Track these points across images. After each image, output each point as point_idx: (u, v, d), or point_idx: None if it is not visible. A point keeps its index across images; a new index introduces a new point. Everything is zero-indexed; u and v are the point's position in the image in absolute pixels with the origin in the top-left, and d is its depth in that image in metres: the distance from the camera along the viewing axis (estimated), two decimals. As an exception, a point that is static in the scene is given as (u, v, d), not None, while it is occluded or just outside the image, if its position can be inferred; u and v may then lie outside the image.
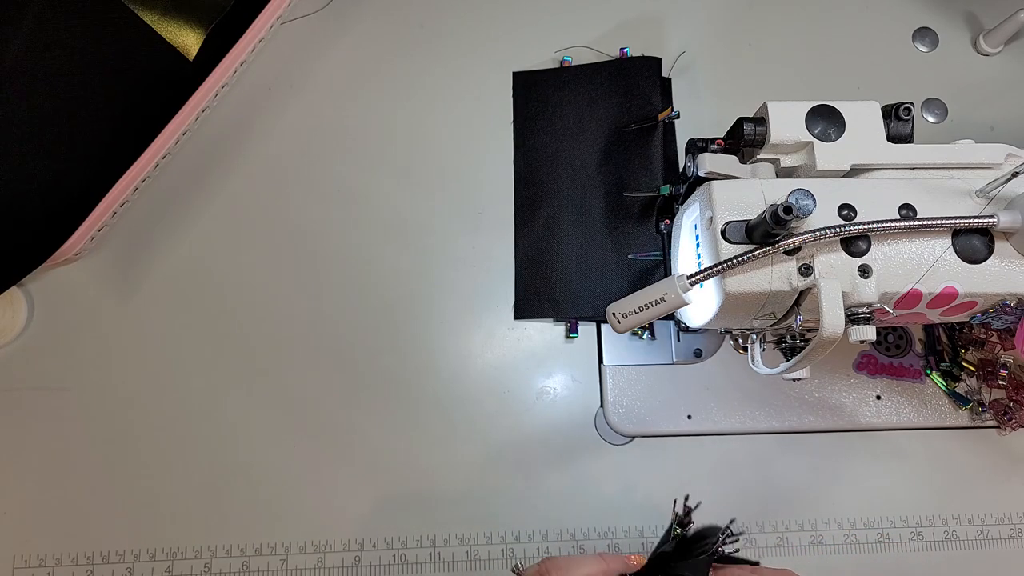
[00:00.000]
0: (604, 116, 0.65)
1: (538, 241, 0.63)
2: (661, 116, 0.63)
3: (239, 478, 0.58)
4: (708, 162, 0.47)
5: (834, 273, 0.43)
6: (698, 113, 0.66)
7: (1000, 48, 0.70)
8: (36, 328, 0.60)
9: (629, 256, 0.62)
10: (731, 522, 0.43)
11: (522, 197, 0.64)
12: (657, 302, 0.44)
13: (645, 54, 0.66)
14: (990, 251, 0.45)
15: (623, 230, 0.63)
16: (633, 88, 0.65)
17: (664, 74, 0.67)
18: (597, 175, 0.64)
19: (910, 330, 0.62)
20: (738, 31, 0.69)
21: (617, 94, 0.65)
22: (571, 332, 0.61)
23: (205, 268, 0.62)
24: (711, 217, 0.45)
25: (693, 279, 0.43)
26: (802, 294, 0.45)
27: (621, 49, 0.67)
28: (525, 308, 0.62)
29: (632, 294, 0.45)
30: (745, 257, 0.42)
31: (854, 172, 0.48)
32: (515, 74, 0.67)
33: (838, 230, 0.42)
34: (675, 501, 0.44)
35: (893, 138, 0.48)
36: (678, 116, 0.63)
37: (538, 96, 0.66)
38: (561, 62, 0.67)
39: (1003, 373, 0.60)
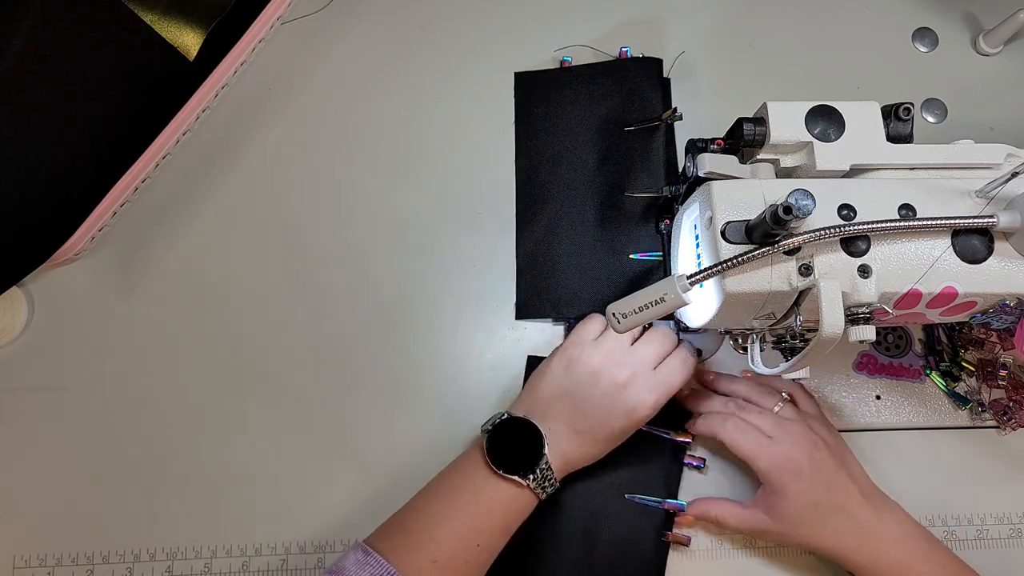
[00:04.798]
0: (606, 116, 0.65)
1: (540, 241, 0.63)
2: (664, 116, 0.63)
3: (239, 478, 0.58)
4: (708, 162, 0.47)
5: (834, 273, 0.43)
6: (698, 113, 0.66)
7: (1000, 48, 0.70)
8: (36, 328, 0.60)
9: (630, 256, 0.62)
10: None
11: (524, 197, 0.64)
12: (657, 302, 0.44)
13: (645, 54, 0.66)
14: (990, 251, 0.45)
15: (624, 230, 0.63)
16: (634, 89, 0.65)
17: (664, 74, 0.67)
18: (598, 175, 0.64)
19: (910, 330, 0.62)
20: (738, 31, 0.69)
21: (618, 94, 0.65)
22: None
23: (205, 268, 0.62)
24: (711, 217, 0.45)
25: (693, 279, 0.43)
26: (802, 294, 0.45)
27: (621, 49, 0.67)
28: (527, 308, 0.62)
29: (632, 294, 0.45)
30: (745, 257, 0.42)
31: (854, 172, 0.48)
32: (517, 74, 0.67)
33: (838, 230, 0.42)
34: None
35: (893, 138, 0.48)
36: (680, 117, 0.62)
37: (540, 96, 0.66)
38: (561, 62, 0.67)
39: (1003, 373, 0.60)
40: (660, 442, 0.58)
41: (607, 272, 0.62)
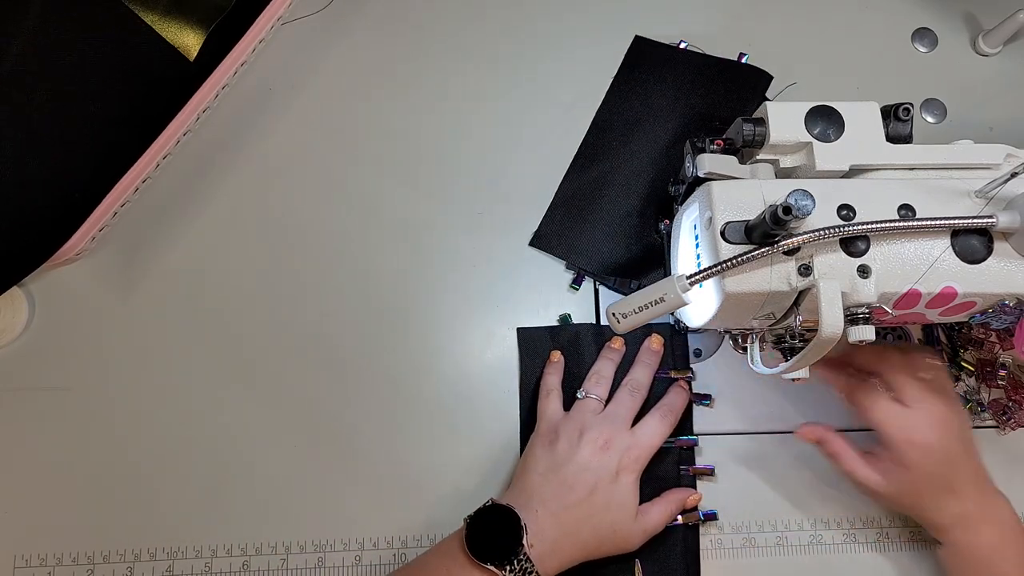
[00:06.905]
0: (696, 108, 0.66)
1: (584, 187, 0.64)
2: None
3: (239, 478, 0.58)
4: (707, 162, 0.48)
5: (833, 273, 0.44)
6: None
7: (999, 48, 0.70)
8: (37, 328, 0.60)
9: (655, 234, 0.63)
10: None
11: (589, 143, 0.65)
12: (656, 302, 0.44)
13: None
14: (989, 251, 0.45)
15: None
16: (736, 95, 0.66)
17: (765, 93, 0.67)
18: (663, 157, 0.64)
19: (909, 330, 0.62)
20: (737, 31, 0.69)
21: (718, 92, 0.66)
22: (574, 283, 0.62)
23: (205, 268, 0.62)
24: (710, 217, 0.45)
25: (693, 279, 0.43)
26: (801, 294, 0.45)
27: (740, 53, 0.67)
28: (544, 240, 0.63)
29: (631, 294, 0.45)
30: (744, 257, 0.42)
31: (853, 172, 0.48)
32: (637, 37, 0.68)
33: (837, 230, 0.42)
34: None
35: (892, 138, 0.48)
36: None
37: (648, 65, 0.67)
38: (678, 44, 0.68)
39: (1002, 373, 0.60)
40: (664, 383, 0.59)
41: (628, 243, 0.63)
